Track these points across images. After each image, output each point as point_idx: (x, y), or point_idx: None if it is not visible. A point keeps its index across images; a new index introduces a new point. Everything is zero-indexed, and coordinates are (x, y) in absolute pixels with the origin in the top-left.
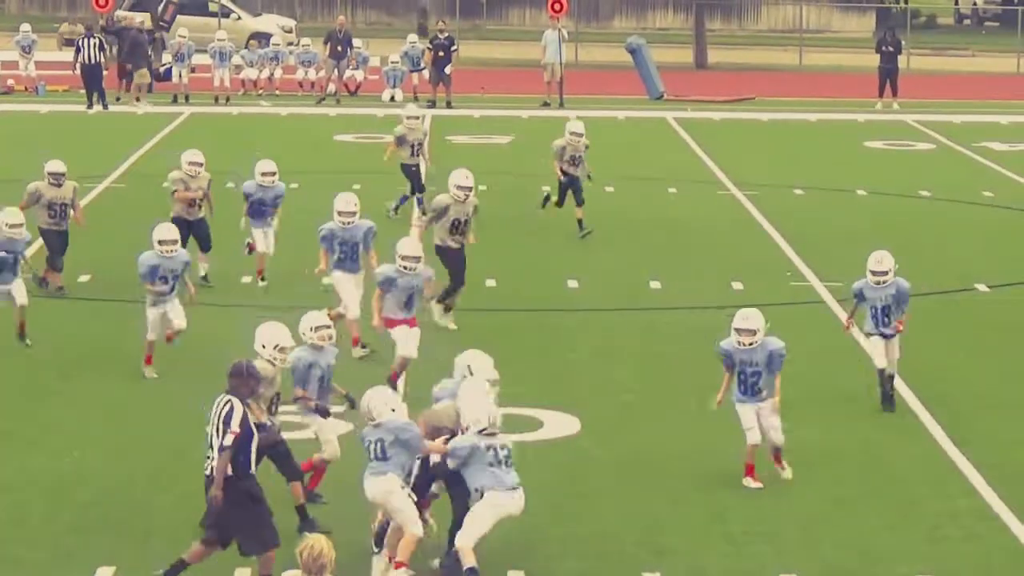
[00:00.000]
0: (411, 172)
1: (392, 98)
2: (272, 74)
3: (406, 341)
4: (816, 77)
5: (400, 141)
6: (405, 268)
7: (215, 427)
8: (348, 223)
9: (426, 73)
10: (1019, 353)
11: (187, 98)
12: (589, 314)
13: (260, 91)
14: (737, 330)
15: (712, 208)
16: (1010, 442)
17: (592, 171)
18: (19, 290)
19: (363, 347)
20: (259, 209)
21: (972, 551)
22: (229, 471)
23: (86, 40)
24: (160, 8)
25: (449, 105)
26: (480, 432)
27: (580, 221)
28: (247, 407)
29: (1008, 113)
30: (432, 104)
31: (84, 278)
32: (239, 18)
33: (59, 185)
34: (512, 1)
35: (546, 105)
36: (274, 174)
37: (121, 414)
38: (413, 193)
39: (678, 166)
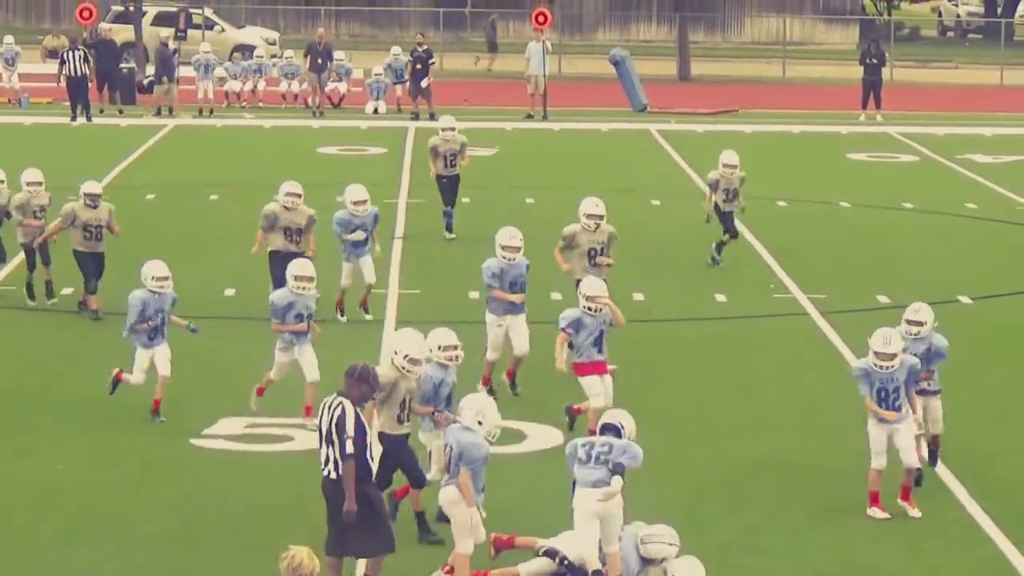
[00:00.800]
0: (442, 184)
1: (375, 110)
2: (255, 86)
3: (600, 392)
4: (799, 89)
5: (434, 153)
6: (590, 309)
7: (329, 429)
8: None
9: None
10: (1002, 364)
11: (171, 110)
12: None
13: (243, 103)
14: (877, 353)
15: (695, 220)
16: (993, 454)
17: (745, 206)
18: (164, 358)
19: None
20: (355, 242)
21: (955, 562)
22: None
23: (71, 52)
24: (178, 19)
25: (432, 117)
26: None
27: (719, 246)
28: (359, 409)
29: (991, 125)
30: (416, 116)
31: (67, 291)
32: (223, 30)
33: (95, 206)
34: (496, 13)
35: (530, 117)
36: (365, 201)
37: (104, 424)
38: (447, 205)
39: (661, 178)
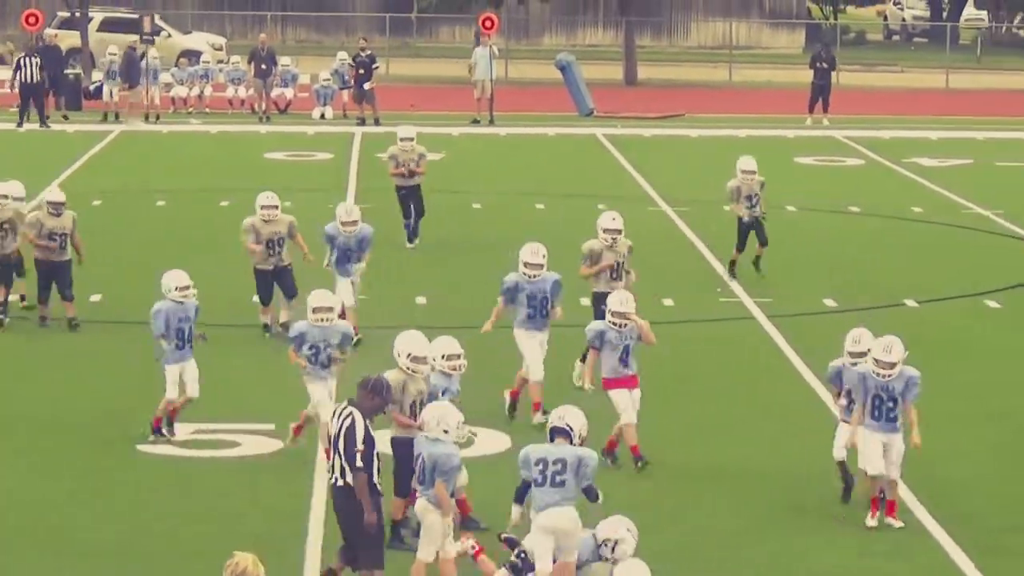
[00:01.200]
0: (401, 196)
1: (322, 115)
2: (202, 92)
3: (628, 407)
4: (746, 93)
5: (393, 162)
6: (615, 324)
7: (336, 437)
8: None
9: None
10: (949, 368)
11: (117, 116)
12: None
13: (190, 109)
14: (877, 361)
15: (642, 224)
16: (939, 457)
17: (766, 212)
18: (192, 377)
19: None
20: (344, 255)
21: (902, 567)
22: (349, 481)
23: (27, 59)
24: (143, 23)
25: (377, 122)
26: None
27: (758, 258)
28: (369, 420)
29: (937, 128)
30: (362, 121)
31: (11, 297)
32: (169, 36)
33: (59, 215)
34: (442, 18)
35: (476, 122)
36: (355, 223)
37: (50, 432)
38: (407, 217)
39: (608, 182)
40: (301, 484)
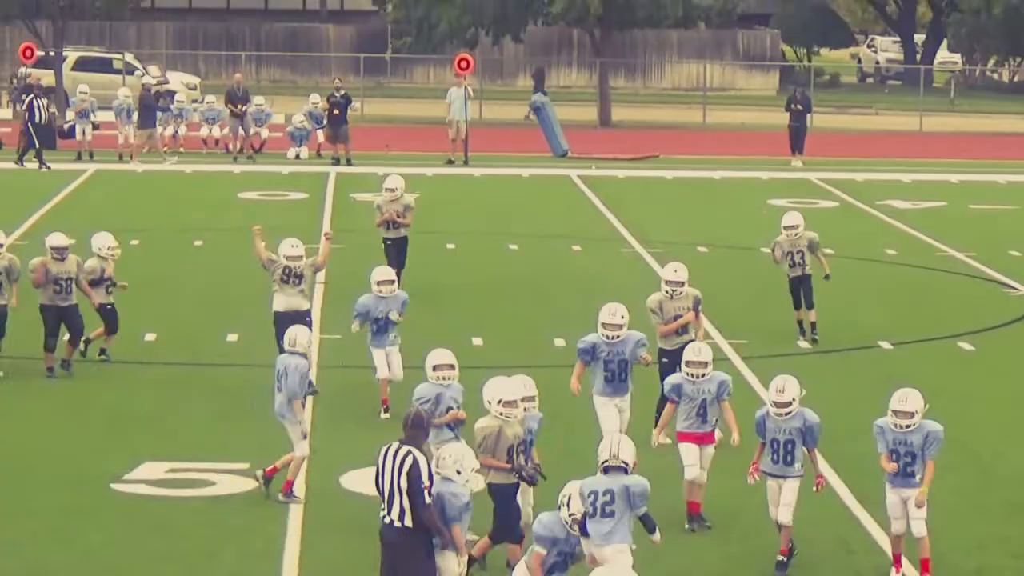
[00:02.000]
0: (387, 247)
1: (297, 156)
2: (176, 131)
3: (694, 463)
4: (720, 135)
5: (378, 212)
6: (691, 375)
7: (393, 478)
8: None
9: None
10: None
11: (91, 155)
12: (491, 372)
13: (164, 148)
14: (894, 412)
15: (616, 266)
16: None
17: (829, 270)
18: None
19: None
20: (382, 325)
21: None
22: (408, 522)
23: (36, 100)
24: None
25: (349, 163)
26: None
27: (812, 325)
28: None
29: (910, 171)
30: (336, 161)
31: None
32: (144, 75)
33: (63, 259)
34: (416, 59)
35: (451, 163)
36: (393, 282)
37: (23, 470)
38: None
39: (582, 223)
40: (276, 524)
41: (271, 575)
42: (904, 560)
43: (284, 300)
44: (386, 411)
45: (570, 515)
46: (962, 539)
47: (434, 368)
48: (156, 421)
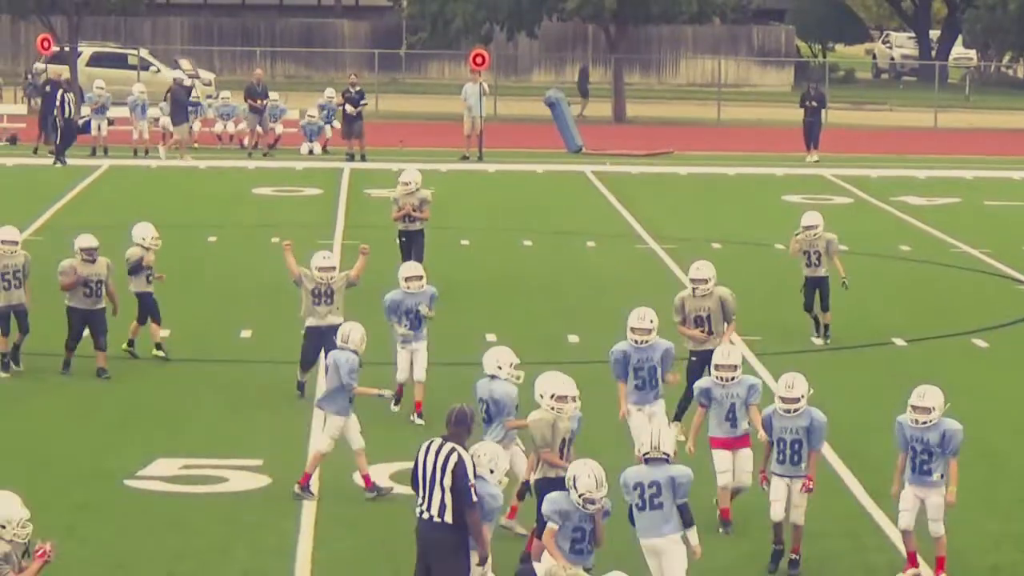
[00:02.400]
0: (402, 243)
1: (310, 151)
2: (191, 127)
3: (727, 469)
4: (734, 131)
5: (395, 206)
6: (720, 379)
7: (435, 473)
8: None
9: (338, 125)
10: None
11: (106, 151)
12: None
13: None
14: (913, 407)
15: (630, 262)
16: None
17: (847, 277)
18: (355, 430)
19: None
20: (412, 320)
21: None
22: (448, 518)
23: (64, 95)
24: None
25: (363, 158)
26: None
27: (826, 327)
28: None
29: (925, 167)
30: (351, 157)
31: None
32: (158, 71)
33: (93, 261)
34: (431, 55)
35: (465, 159)
36: (421, 278)
37: (36, 467)
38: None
39: (596, 220)
40: (289, 520)
41: (284, 571)
42: (919, 559)
43: (316, 318)
44: (419, 416)
45: (580, 495)
46: (977, 536)
47: (513, 367)
48: (169, 417)
